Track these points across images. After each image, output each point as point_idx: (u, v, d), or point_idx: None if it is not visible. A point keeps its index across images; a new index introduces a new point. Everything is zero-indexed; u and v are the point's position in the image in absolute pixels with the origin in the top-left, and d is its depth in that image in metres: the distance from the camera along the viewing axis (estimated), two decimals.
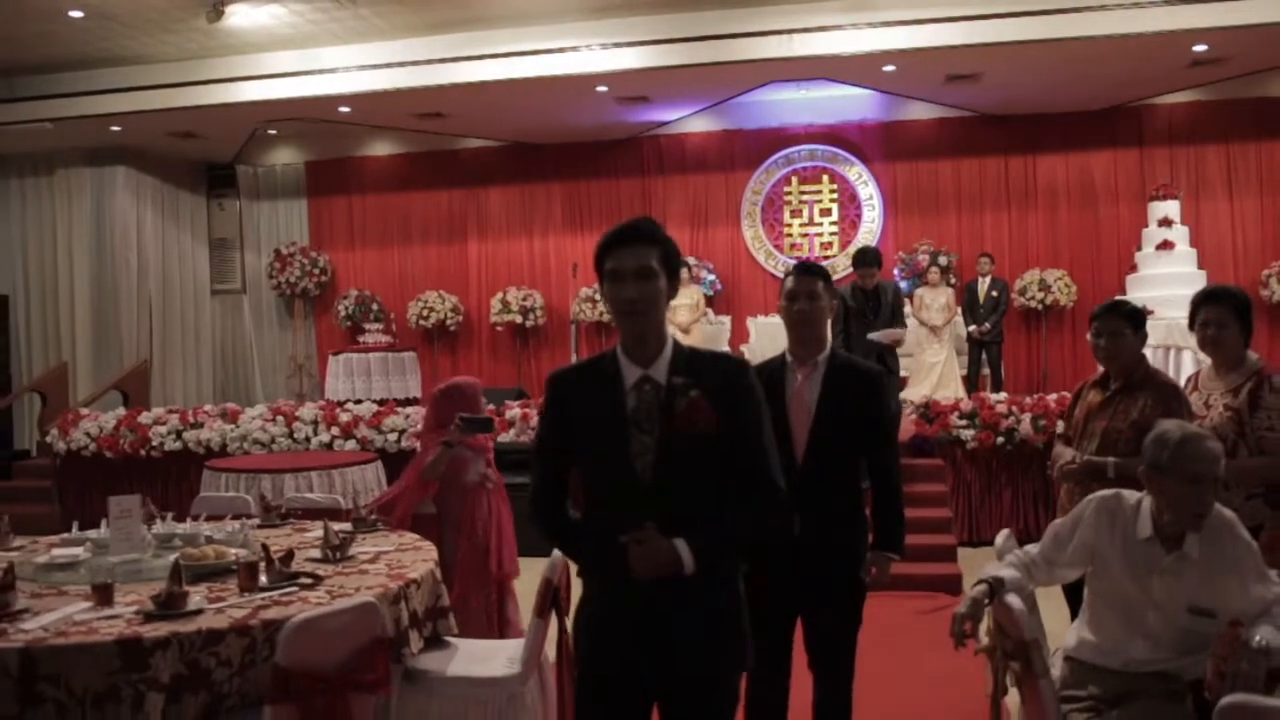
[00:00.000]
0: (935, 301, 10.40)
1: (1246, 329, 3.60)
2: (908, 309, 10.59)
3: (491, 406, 6.46)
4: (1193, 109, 11.48)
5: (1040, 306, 11.31)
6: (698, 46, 9.51)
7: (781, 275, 11.64)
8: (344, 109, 10.95)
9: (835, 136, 12.27)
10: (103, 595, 2.97)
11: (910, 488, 7.24)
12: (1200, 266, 10.71)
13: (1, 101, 10.86)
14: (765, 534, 2.42)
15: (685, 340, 8.77)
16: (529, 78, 9.84)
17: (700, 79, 10.13)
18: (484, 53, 9.83)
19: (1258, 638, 2.42)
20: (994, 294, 10.61)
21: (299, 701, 2.57)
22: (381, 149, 13.31)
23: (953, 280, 11.25)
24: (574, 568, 2.74)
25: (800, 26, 9.32)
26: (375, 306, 12.87)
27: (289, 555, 3.31)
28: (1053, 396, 7.95)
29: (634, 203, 12.62)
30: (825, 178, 12.37)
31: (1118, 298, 3.80)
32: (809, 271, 3.37)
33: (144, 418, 9.01)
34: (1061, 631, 3.14)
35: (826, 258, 12.25)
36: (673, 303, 9.09)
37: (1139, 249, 11.02)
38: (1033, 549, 2.95)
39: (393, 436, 8.42)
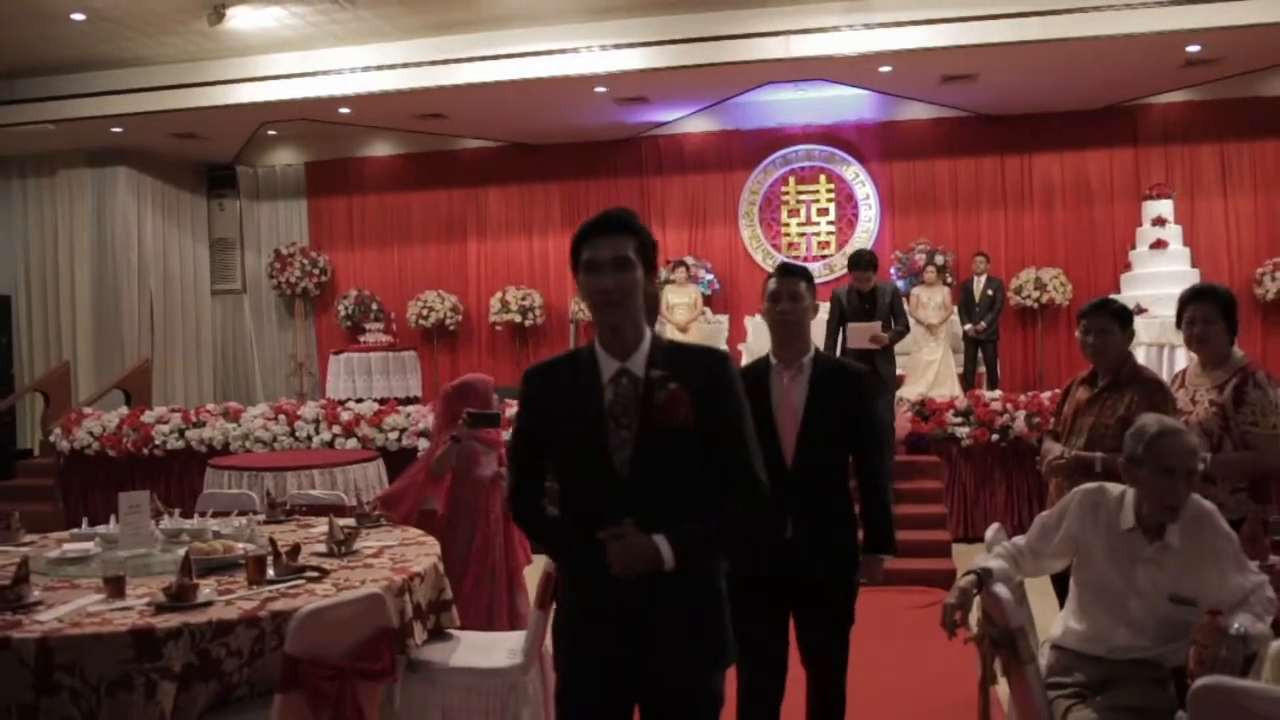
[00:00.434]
0: (931, 300, 10.48)
1: (1232, 326, 3.67)
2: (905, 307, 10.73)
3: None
4: (1187, 109, 11.56)
5: (1036, 305, 11.39)
6: (696, 48, 9.59)
7: None
8: (344, 110, 11.02)
9: (832, 136, 12.35)
10: (115, 588, 3.05)
11: (906, 484, 7.36)
12: (1194, 265, 10.79)
13: (3, 103, 10.92)
14: (747, 530, 2.39)
15: (682, 339, 8.87)
16: (528, 79, 9.92)
17: (698, 80, 10.20)
18: (483, 54, 9.90)
19: (1236, 625, 2.50)
20: (989, 293, 10.69)
21: (307, 689, 2.64)
22: (381, 149, 13.38)
23: (949, 279, 11.33)
24: None
25: (797, 28, 9.40)
26: (375, 306, 12.94)
27: (295, 549, 3.39)
28: (1047, 394, 8.03)
29: (632, 202, 12.67)
30: (822, 177, 12.44)
31: (1106, 296, 3.86)
32: (791, 272, 3.34)
33: (146, 417, 9.08)
34: (1051, 623, 3.22)
35: (824, 257, 12.34)
36: (671, 301, 9.18)
37: (1133, 248, 11.11)
38: (1020, 540, 3.03)
39: (394, 435, 8.49)
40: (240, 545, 3.52)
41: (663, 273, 11.86)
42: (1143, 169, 11.71)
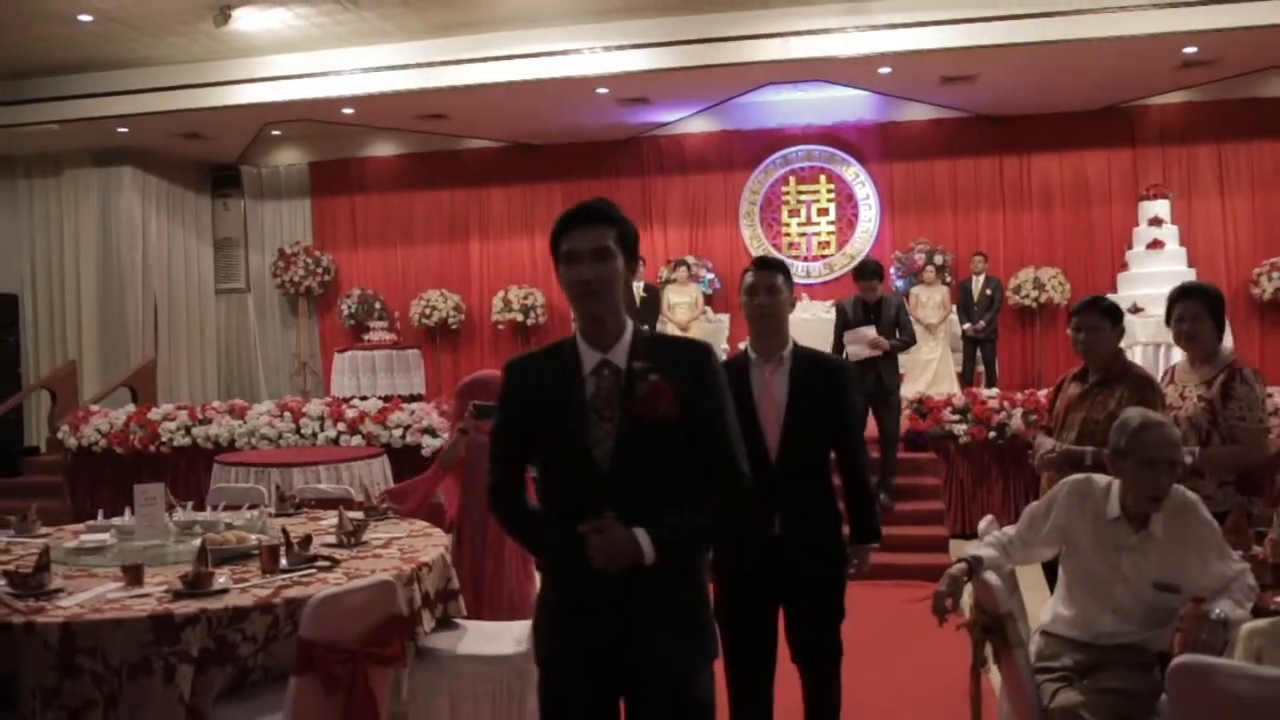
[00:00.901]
0: (930, 300, 10.57)
1: (1219, 324, 3.76)
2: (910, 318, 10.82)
3: None
4: (1185, 109, 11.64)
5: (1034, 304, 11.47)
6: (697, 49, 9.67)
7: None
8: (347, 110, 11.11)
9: (832, 137, 12.43)
10: (133, 576, 3.15)
11: (903, 480, 7.45)
12: (1190, 265, 10.87)
13: (10, 104, 11.00)
14: (730, 524, 2.38)
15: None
16: (530, 80, 10.00)
17: (699, 81, 10.29)
18: (486, 55, 9.98)
19: (1217, 610, 2.60)
20: (988, 292, 10.78)
21: (321, 672, 2.74)
22: (384, 149, 13.48)
23: (948, 279, 11.41)
24: None
25: (797, 29, 9.48)
26: (378, 305, 13.03)
27: (307, 540, 3.48)
28: (1043, 392, 8.10)
29: (634, 202, 12.76)
30: (822, 178, 12.53)
31: (1096, 295, 3.95)
32: (768, 265, 3.32)
33: (153, 414, 9.18)
34: (1041, 612, 3.31)
35: (824, 257, 12.43)
36: (672, 301, 9.27)
37: (1130, 248, 11.20)
38: (1010, 530, 3.13)
39: (398, 432, 8.58)
40: (253, 536, 3.62)
41: (664, 272, 11.96)
42: (1140, 169, 11.78)
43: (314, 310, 13.67)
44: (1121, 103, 11.56)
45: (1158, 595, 2.83)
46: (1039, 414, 7.58)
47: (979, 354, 10.81)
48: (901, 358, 7.35)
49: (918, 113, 12.02)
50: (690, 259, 11.99)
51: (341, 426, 8.69)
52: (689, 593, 2.35)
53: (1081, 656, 2.86)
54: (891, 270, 11.81)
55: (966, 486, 7.91)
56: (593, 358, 2.32)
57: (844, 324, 7.13)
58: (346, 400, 9.50)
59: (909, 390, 9.43)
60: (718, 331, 11.74)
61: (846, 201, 12.48)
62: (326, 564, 3.37)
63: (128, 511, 3.98)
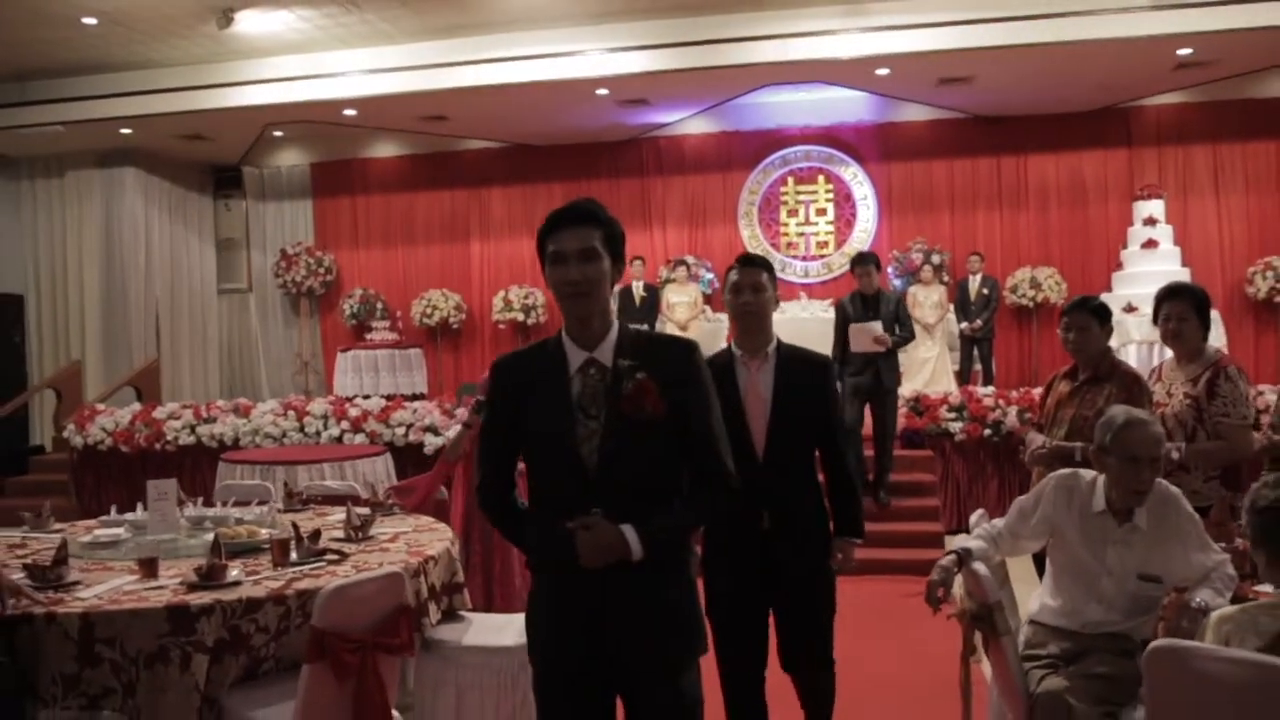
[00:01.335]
0: (928, 299, 10.66)
1: (1205, 323, 3.85)
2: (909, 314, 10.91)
3: None
4: (1180, 110, 11.72)
5: (1031, 304, 11.55)
6: (696, 51, 9.75)
7: (778, 274, 12.01)
8: (349, 112, 11.19)
9: (831, 138, 12.52)
10: (148, 568, 3.25)
11: (899, 477, 7.54)
12: (1184, 264, 10.96)
13: (14, 105, 11.09)
14: (715, 519, 2.45)
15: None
16: (531, 81, 10.07)
17: (698, 82, 10.37)
18: (487, 57, 10.06)
19: (1198, 599, 2.70)
20: (984, 291, 10.86)
21: (332, 660, 2.83)
22: (385, 150, 13.55)
23: (945, 278, 11.50)
24: None
25: (795, 31, 9.56)
26: (380, 305, 13.12)
27: (316, 534, 3.58)
28: (1039, 390, 8.19)
29: (634, 202, 12.87)
30: (821, 178, 12.61)
31: (1085, 295, 4.05)
32: (752, 263, 3.33)
33: (158, 412, 9.28)
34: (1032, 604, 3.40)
35: (822, 256, 12.51)
36: (671, 300, 9.35)
37: (1125, 247, 11.29)
38: (999, 523, 3.22)
39: (400, 430, 8.67)
40: (263, 531, 3.71)
41: (663, 271, 12.04)
42: (1136, 169, 11.87)
43: (316, 310, 13.76)
44: (1117, 103, 11.65)
45: (1141, 586, 2.92)
46: (1034, 412, 7.67)
47: (976, 353, 10.90)
48: (900, 356, 7.44)
49: (915, 113, 12.10)
50: (689, 259, 12.07)
51: (345, 425, 8.79)
52: (676, 588, 2.37)
53: (1068, 645, 2.95)
54: (889, 270, 11.89)
55: (962, 483, 8.01)
56: (579, 356, 2.34)
57: (844, 321, 7.17)
58: (350, 399, 9.60)
59: (906, 389, 9.53)
60: (717, 331, 11.81)
61: (845, 201, 12.56)
62: (336, 557, 3.47)
63: (140, 507, 4.08)
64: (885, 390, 7.18)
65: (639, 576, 2.27)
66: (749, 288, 3.26)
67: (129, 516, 4.05)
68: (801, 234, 12.66)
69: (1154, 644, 2.22)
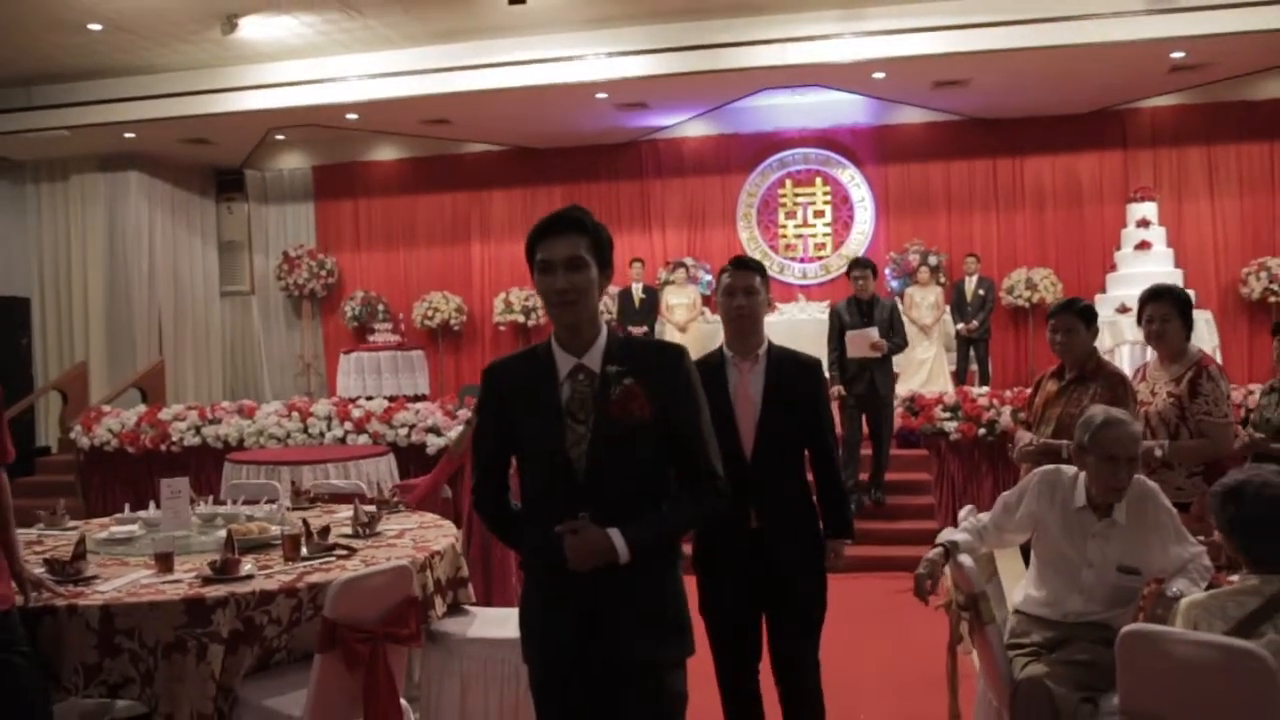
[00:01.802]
0: (925, 300, 10.77)
1: (1187, 324, 3.96)
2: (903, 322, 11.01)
3: None
4: (1175, 112, 11.84)
5: (1027, 304, 11.65)
6: (694, 55, 9.87)
7: (776, 275, 12.13)
8: (351, 116, 11.31)
9: (828, 140, 12.63)
10: (164, 563, 3.36)
11: (895, 476, 7.66)
12: (1177, 266, 11.06)
13: (20, 110, 11.21)
14: (703, 522, 2.48)
15: (682, 339, 9.17)
16: (531, 85, 10.20)
17: (697, 86, 10.49)
18: (487, 61, 10.19)
19: (1174, 588, 2.82)
20: (981, 292, 10.97)
21: (344, 650, 2.94)
22: (387, 154, 13.67)
23: (942, 279, 11.60)
24: None
25: (792, 36, 9.68)
26: (381, 307, 13.24)
27: (326, 530, 3.69)
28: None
29: (633, 205, 13.00)
30: (819, 180, 12.72)
31: (1072, 297, 4.17)
32: (745, 266, 3.35)
33: (164, 414, 9.40)
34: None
35: (820, 258, 12.62)
36: (670, 302, 9.43)
37: (1119, 249, 11.40)
38: (985, 517, 3.34)
39: (403, 431, 8.79)
40: (274, 527, 3.83)
41: (662, 273, 12.16)
42: (1132, 171, 11.98)
43: (318, 312, 13.87)
44: (1112, 106, 11.76)
45: (1121, 577, 3.04)
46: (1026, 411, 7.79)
47: (972, 353, 11.00)
48: (897, 357, 7.55)
49: (912, 116, 12.21)
50: (688, 261, 12.18)
51: (348, 426, 8.90)
52: (664, 590, 2.40)
53: (1051, 634, 3.06)
54: (886, 271, 12.01)
55: (957, 483, 8.12)
56: (568, 362, 2.39)
57: (839, 327, 7.24)
58: (353, 400, 9.71)
59: (903, 388, 9.64)
60: (715, 332, 11.89)
61: (842, 203, 12.67)
62: (344, 552, 3.59)
63: (152, 505, 4.19)
64: (881, 399, 7.28)
65: (626, 579, 2.30)
66: (742, 291, 3.29)
67: (142, 514, 4.16)
68: (799, 236, 12.77)
69: (1126, 628, 2.34)
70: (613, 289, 11.87)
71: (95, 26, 9.49)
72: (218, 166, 13.88)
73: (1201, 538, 3.17)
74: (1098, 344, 9.61)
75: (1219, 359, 10.16)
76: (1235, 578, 2.55)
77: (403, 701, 3.24)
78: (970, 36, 9.38)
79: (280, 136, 12.64)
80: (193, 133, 11.80)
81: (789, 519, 3.29)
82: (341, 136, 12.61)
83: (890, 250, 12.28)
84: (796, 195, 12.77)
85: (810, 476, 3.44)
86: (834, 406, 5.12)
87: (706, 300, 12.06)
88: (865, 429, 7.43)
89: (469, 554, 4.19)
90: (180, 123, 11.23)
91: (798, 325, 10.72)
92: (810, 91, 11.34)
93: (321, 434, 8.93)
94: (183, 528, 3.91)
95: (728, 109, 11.81)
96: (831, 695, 3.46)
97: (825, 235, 12.72)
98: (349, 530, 3.94)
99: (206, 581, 3.18)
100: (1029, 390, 8.21)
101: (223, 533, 3.69)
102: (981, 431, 8.02)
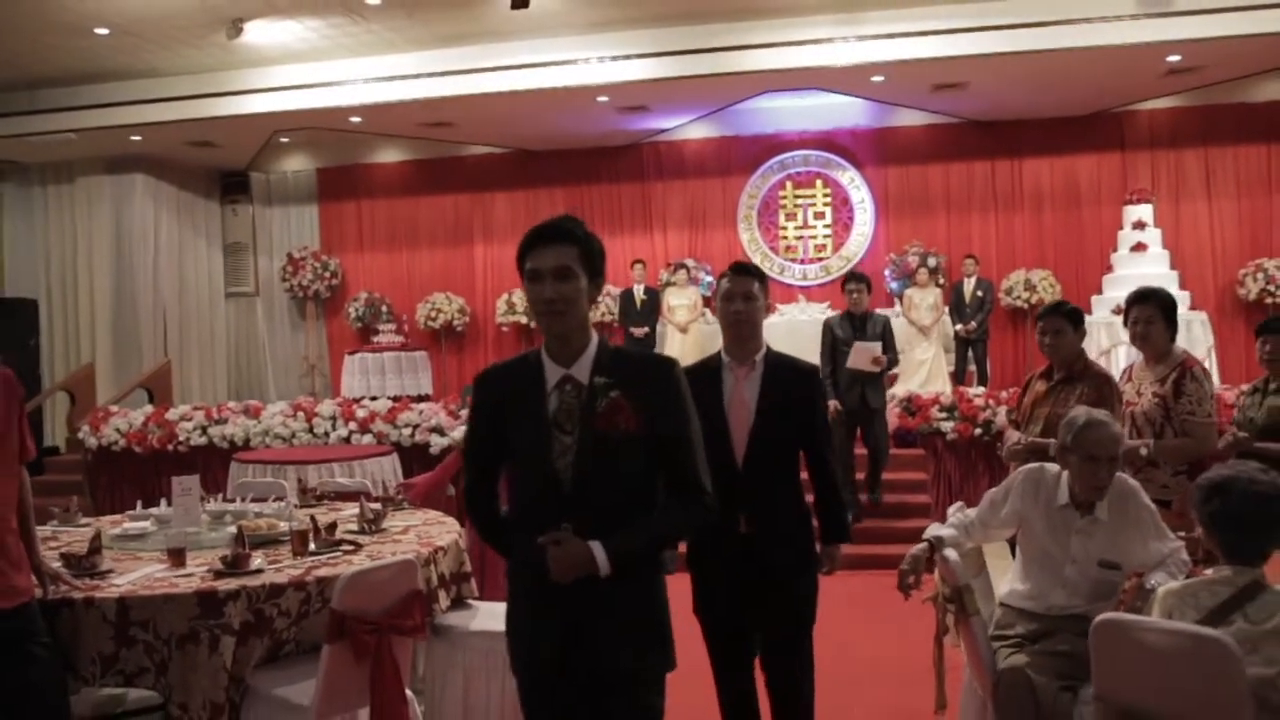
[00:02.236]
0: (924, 301, 10.84)
1: (1171, 325, 4.06)
2: (897, 309, 11.11)
3: None
4: (1173, 114, 11.92)
5: (1026, 305, 11.73)
6: (695, 59, 9.96)
7: (777, 276, 12.23)
8: (355, 119, 11.41)
9: (828, 142, 12.72)
10: (177, 558, 3.47)
11: (892, 475, 7.75)
12: (1173, 267, 11.16)
13: (27, 113, 11.32)
14: (687, 536, 2.50)
15: (683, 340, 9.20)
16: (533, 89, 10.30)
17: (697, 89, 10.59)
18: (489, 65, 10.28)
19: (1152, 581, 2.92)
20: (979, 294, 11.05)
21: (351, 640, 3.05)
22: (390, 156, 13.78)
23: (941, 281, 11.68)
24: None
25: (791, 40, 9.77)
26: (385, 308, 13.35)
27: (333, 526, 3.80)
28: None
29: (634, 207, 13.10)
30: (819, 182, 12.81)
31: (1060, 299, 4.27)
32: (745, 271, 3.36)
33: (171, 414, 9.51)
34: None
35: (820, 259, 12.72)
36: (672, 303, 9.49)
37: (1115, 250, 11.48)
38: (972, 513, 3.44)
39: (407, 431, 8.89)
40: (282, 523, 3.93)
41: (664, 275, 12.25)
42: (1130, 173, 12.06)
43: (322, 313, 13.99)
44: (1110, 108, 11.85)
45: (1102, 572, 3.14)
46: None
47: (971, 354, 11.09)
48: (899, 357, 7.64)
49: (911, 119, 12.31)
50: (690, 262, 12.26)
51: (353, 426, 9.01)
52: (647, 603, 2.40)
53: (1034, 626, 3.17)
54: (886, 272, 12.11)
55: (954, 481, 8.21)
56: (556, 373, 2.38)
57: (832, 343, 7.28)
58: (357, 400, 9.81)
59: (902, 389, 9.73)
60: (716, 333, 11.89)
61: (842, 205, 12.77)
62: (351, 548, 3.70)
63: (163, 502, 4.30)
64: (873, 410, 7.31)
65: (608, 591, 2.30)
66: (740, 296, 3.29)
67: (154, 511, 4.28)
68: (800, 237, 12.87)
69: (1099, 618, 2.44)
70: (614, 290, 11.99)
71: (102, 31, 9.60)
72: (223, 169, 14.00)
73: (1182, 533, 3.27)
74: (1095, 344, 9.69)
75: (1214, 360, 10.28)
76: (1210, 571, 2.65)
77: (408, 692, 3.34)
78: (967, 40, 9.47)
79: (284, 139, 12.75)
80: (198, 135, 11.91)
81: (780, 525, 3.28)
82: (345, 139, 12.71)
83: (890, 252, 12.38)
84: (797, 197, 12.87)
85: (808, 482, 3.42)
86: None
87: (707, 301, 12.15)
88: (859, 442, 7.50)
89: (470, 549, 4.29)
90: (185, 126, 11.34)
91: (798, 326, 10.81)
92: (810, 94, 11.42)
93: (326, 434, 9.04)
94: (193, 524, 4.01)
95: (728, 111, 11.91)
96: (823, 687, 3.51)
97: (825, 237, 12.81)
98: (355, 527, 4.05)
99: (218, 575, 3.29)
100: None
101: (232, 529, 3.81)
102: (978, 431, 8.11)
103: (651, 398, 2.36)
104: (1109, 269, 11.46)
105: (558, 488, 2.33)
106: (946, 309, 11.06)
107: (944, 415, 8.23)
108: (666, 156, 13.13)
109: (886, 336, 7.29)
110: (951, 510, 3.69)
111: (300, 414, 9.23)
